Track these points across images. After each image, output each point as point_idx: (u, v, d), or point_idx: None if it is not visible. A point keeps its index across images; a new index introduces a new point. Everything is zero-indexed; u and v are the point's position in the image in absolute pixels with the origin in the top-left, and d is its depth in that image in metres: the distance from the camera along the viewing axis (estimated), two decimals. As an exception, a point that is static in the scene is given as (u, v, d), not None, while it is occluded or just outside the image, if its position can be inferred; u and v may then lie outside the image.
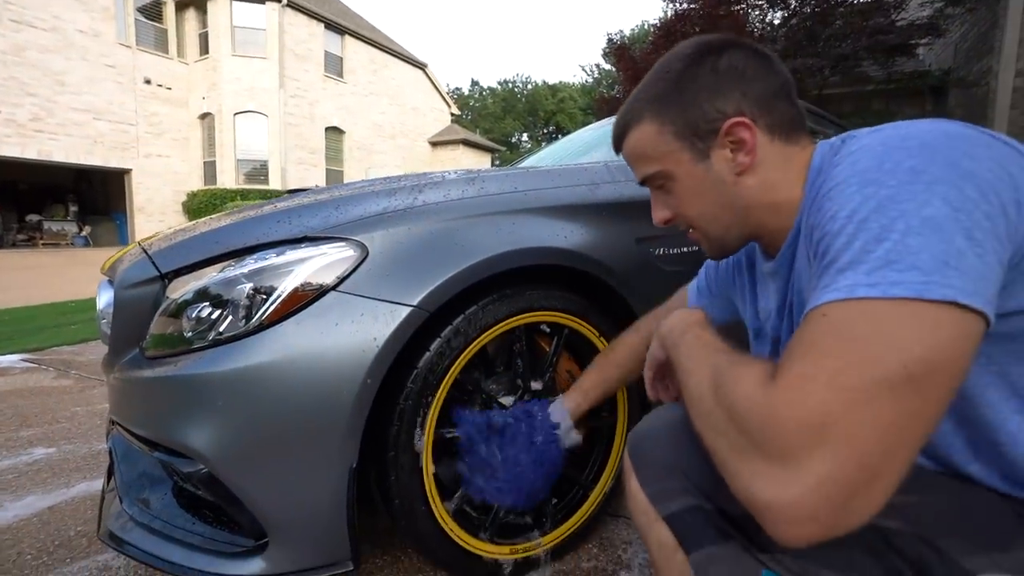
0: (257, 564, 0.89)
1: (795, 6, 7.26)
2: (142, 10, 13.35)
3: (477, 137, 23.10)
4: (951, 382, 0.37)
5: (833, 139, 0.58)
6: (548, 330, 1.14)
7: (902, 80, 7.40)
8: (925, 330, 0.36)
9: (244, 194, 13.19)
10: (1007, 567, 0.43)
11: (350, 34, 16.68)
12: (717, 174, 0.60)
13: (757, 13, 7.80)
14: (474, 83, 46.48)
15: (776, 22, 7.74)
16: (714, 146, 0.59)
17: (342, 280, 0.91)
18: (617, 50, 9.49)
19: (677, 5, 8.03)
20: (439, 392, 0.97)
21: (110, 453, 1.09)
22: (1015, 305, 0.41)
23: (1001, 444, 0.46)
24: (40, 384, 2.79)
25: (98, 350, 3.41)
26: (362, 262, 0.92)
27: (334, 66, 16.32)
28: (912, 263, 0.38)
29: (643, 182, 0.68)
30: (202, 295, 0.94)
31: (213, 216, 1.26)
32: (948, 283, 0.37)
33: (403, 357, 0.94)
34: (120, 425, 1.07)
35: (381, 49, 18.00)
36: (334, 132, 16.50)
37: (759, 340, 0.72)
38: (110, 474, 1.09)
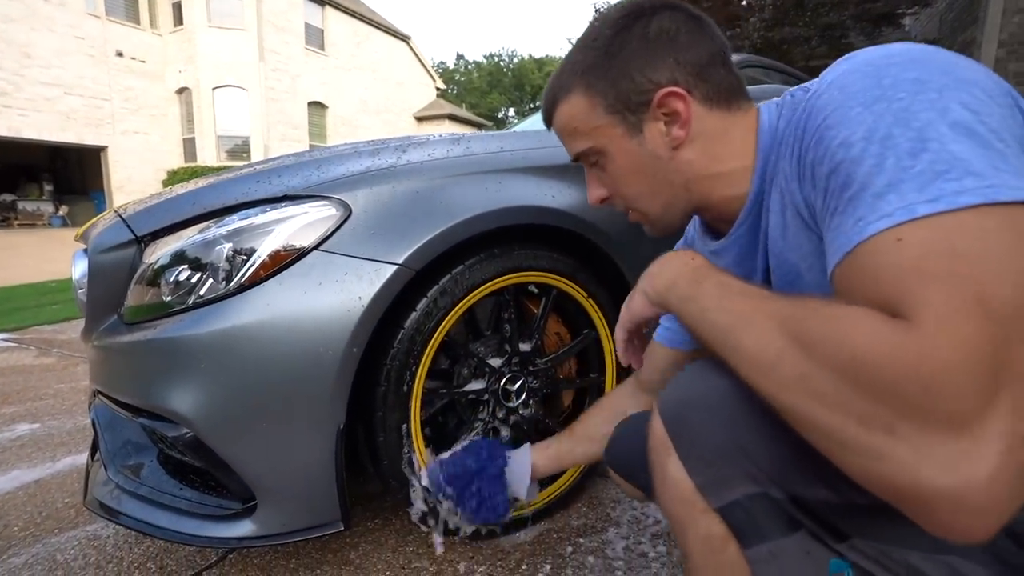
0: (246, 526, 0.89)
1: (784, -26, 7.15)
2: (111, -23, 12.79)
3: (463, 112, 22.72)
4: None
5: (779, 98, 0.55)
6: (536, 291, 1.13)
7: (889, 50, 7.36)
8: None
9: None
10: None
11: (331, 4, 16.15)
12: (652, 149, 0.56)
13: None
14: (459, 57, 45.57)
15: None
16: (647, 119, 0.55)
17: (324, 239, 0.88)
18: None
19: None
20: (426, 353, 0.96)
21: (93, 424, 1.08)
22: None
23: None
24: (21, 362, 2.74)
25: (80, 329, 3.35)
26: (345, 221, 0.90)
27: (315, 38, 15.83)
28: (965, 169, 0.34)
29: (575, 159, 0.63)
30: (180, 258, 0.91)
31: (190, 182, 1.22)
32: (1006, 183, 0.33)
33: (389, 317, 0.92)
34: (102, 394, 1.05)
35: (363, 21, 17.48)
36: (317, 107, 16.11)
37: None
38: (95, 447, 1.08)
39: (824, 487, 0.45)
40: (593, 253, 1.15)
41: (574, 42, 0.61)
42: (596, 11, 10.00)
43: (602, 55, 0.56)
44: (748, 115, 0.56)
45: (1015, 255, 0.32)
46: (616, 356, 0.73)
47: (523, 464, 0.89)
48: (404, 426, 0.97)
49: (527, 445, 0.93)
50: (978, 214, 0.33)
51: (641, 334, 0.67)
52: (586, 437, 0.89)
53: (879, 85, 0.40)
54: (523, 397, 1.12)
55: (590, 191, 0.64)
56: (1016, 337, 0.30)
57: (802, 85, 0.52)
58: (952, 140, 0.35)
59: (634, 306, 0.60)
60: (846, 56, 0.46)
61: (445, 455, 0.93)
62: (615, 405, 0.87)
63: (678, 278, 0.52)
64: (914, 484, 0.31)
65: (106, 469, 0.98)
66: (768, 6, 7.21)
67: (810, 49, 7.01)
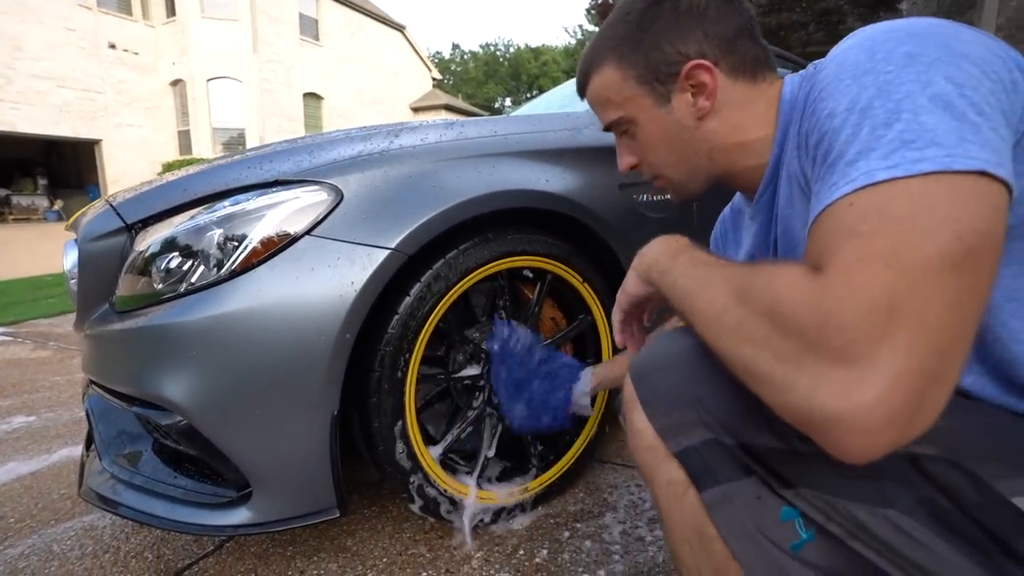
0: (241, 514, 0.88)
1: (783, -41, 7.09)
2: (101, -32, 12.61)
3: (460, 102, 22.56)
4: (997, 253, 0.35)
5: (804, 70, 0.56)
6: (531, 276, 1.12)
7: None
8: (965, 200, 0.34)
9: (221, 164, 12.77)
10: None
11: (324, -6, 15.98)
12: (679, 119, 0.59)
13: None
14: (455, 47, 45.17)
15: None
16: (675, 90, 0.58)
17: (316, 224, 0.87)
18: (601, 8, 9.23)
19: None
20: (420, 338, 0.96)
21: (87, 415, 1.07)
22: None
23: (993, 348, 0.44)
24: (17, 356, 2.74)
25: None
26: (337, 206, 0.89)
27: (310, 29, 15.67)
28: (931, 139, 0.36)
29: (607, 128, 0.66)
30: (170, 245, 0.90)
31: (180, 170, 1.21)
32: (971, 155, 0.35)
33: (383, 303, 0.92)
34: (96, 384, 1.04)
35: (357, 10, 17.30)
36: (312, 98, 15.98)
37: None
38: (90, 438, 1.07)
39: (769, 434, 0.48)
40: (589, 238, 1.14)
41: (607, 17, 0.63)
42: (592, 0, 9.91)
43: (634, 28, 0.59)
44: (772, 87, 0.58)
45: (945, 217, 0.34)
46: (613, 340, 0.75)
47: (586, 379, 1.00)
48: (400, 423, 0.97)
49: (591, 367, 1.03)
50: (927, 180, 0.35)
51: (639, 317, 0.68)
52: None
53: (872, 59, 0.41)
54: (519, 383, 1.11)
55: (620, 158, 0.67)
56: (933, 291, 0.33)
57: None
58: (927, 111, 0.37)
59: (627, 285, 0.63)
60: (856, 31, 0.47)
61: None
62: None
63: (660, 255, 0.56)
64: (811, 409, 0.34)
65: (101, 459, 0.98)
66: (766, -8, 7.15)
67: (807, 35, 6.98)
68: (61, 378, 2.35)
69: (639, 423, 0.57)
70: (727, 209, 0.79)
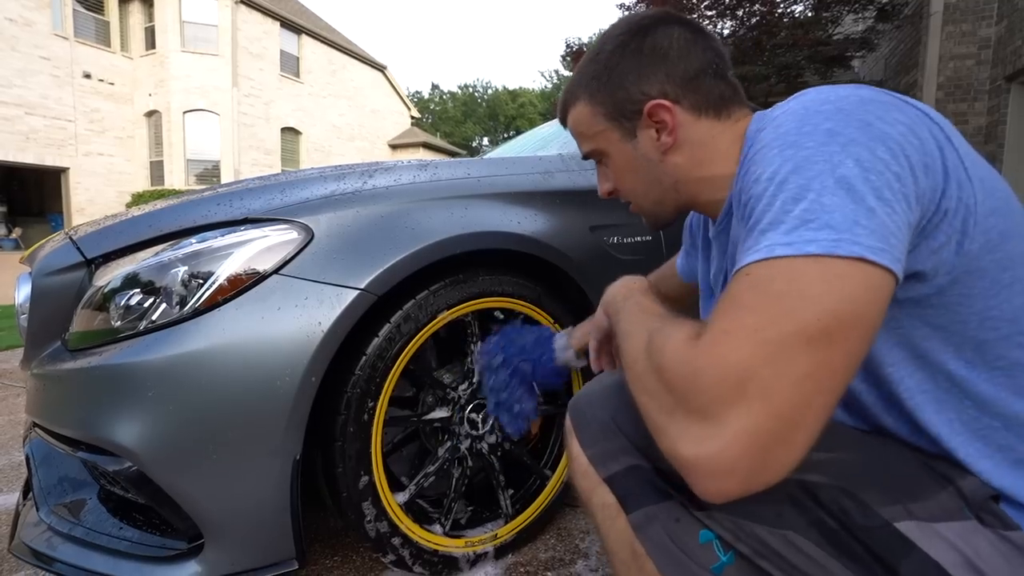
0: (191, 568, 0.83)
1: (743, 17, 7.59)
2: (81, 0, 12.61)
3: (438, 140, 22.96)
4: (862, 334, 0.38)
5: (762, 111, 0.59)
6: (502, 317, 1.13)
7: (840, 90, 7.83)
8: (835, 284, 0.38)
9: (193, 196, 12.57)
10: (919, 515, 0.45)
11: (307, 33, 16.28)
12: (644, 153, 0.63)
13: (707, 23, 8.10)
14: (434, 87, 46.28)
15: (725, 32, 8.06)
16: (640, 126, 0.62)
17: (285, 263, 0.86)
18: (576, 55, 9.64)
19: (632, 12, 8.23)
20: (388, 380, 0.94)
21: (27, 460, 1.01)
22: (919, 268, 0.43)
23: (903, 400, 0.49)
24: (-43, 393, 2.57)
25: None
26: (307, 245, 0.88)
27: (290, 66, 15.88)
28: (826, 221, 0.39)
29: (585, 157, 0.71)
30: (132, 281, 0.88)
31: (148, 204, 1.19)
32: (857, 240, 0.38)
33: (351, 344, 0.90)
34: (39, 427, 0.99)
35: (339, 50, 17.65)
36: (290, 133, 16.03)
37: (709, 300, 0.73)
38: (28, 486, 1.00)
39: None
40: (560, 280, 1.15)
41: (583, 56, 0.69)
42: (567, 45, 10.36)
43: (602, 68, 0.63)
44: (739, 123, 0.60)
45: (809, 298, 0.38)
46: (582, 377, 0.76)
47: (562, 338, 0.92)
48: (365, 477, 0.94)
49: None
50: (811, 262, 0.38)
51: (610, 345, 0.73)
52: None
53: (799, 131, 0.44)
54: (489, 425, 1.10)
55: (600, 185, 0.72)
56: (784, 365, 0.37)
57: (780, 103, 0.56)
58: (830, 192, 0.40)
59: (596, 317, 0.71)
60: (802, 91, 0.50)
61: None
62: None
63: (616, 295, 0.62)
64: (676, 454, 0.40)
65: (38, 509, 0.91)
66: (730, 46, 7.61)
67: (769, 86, 7.39)
68: (3, 418, 2.21)
69: (575, 450, 0.64)
70: (694, 220, 0.83)
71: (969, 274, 0.44)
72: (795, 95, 0.50)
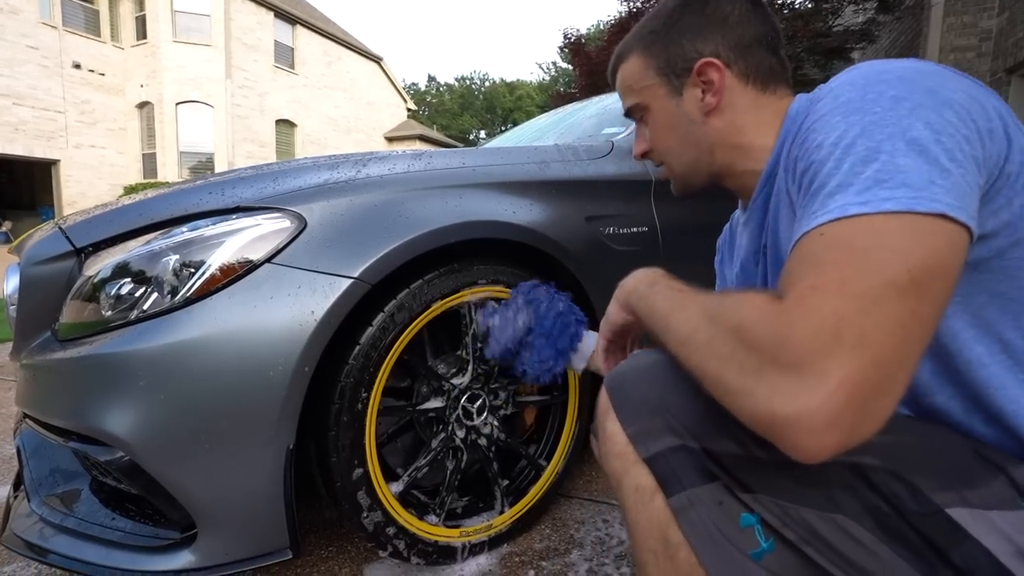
0: (184, 558, 0.83)
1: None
2: (69, -11, 12.44)
3: (434, 133, 22.84)
4: (947, 287, 0.39)
5: (811, 93, 0.59)
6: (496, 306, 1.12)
7: (839, 83, 7.84)
8: (922, 238, 0.38)
9: (187, 188, 12.47)
10: (973, 502, 0.45)
11: (302, 24, 16.11)
12: (687, 111, 0.64)
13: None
14: (431, 79, 45.89)
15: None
16: (687, 84, 0.63)
17: (277, 252, 0.86)
18: (573, 47, 9.58)
19: (631, 4, 8.19)
20: (382, 369, 0.93)
21: (18, 452, 1.00)
22: (980, 230, 0.43)
23: (962, 371, 0.48)
24: (-52, 386, 2.55)
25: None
26: (300, 233, 0.87)
27: (285, 57, 15.73)
28: (902, 180, 0.39)
29: (627, 114, 0.72)
30: (123, 270, 0.87)
31: (138, 194, 1.17)
32: (936, 198, 0.38)
33: (344, 333, 0.90)
34: (30, 418, 0.98)
35: (335, 41, 17.50)
36: (285, 125, 15.91)
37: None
38: (19, 478, 1.00)
39: (730, 440, 0.51)
40: (555, 270, 1.15)
41: (647, 13, 0.70)
42: (565, 37, 10.29)
43: (661, 24, 0.65)
44: (782, 100, 0.62)
45: (897, 252, 0.38)
46: (596, 367, 0.78)
47: (589, 343, 0.86)
48: (360, 467, 0.93)
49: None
50: (891, 219, 0.39)
51: (623, 345, 0.73)
52: None
53: (863, 99, 0.44)
54: (484, 415, 1.10)
55: (635, 145, 0.73)
56: (878, 315, 0.37)
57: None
58: (903, 154, 0.40)
59: (609, 315, 0.68)
60: (854, 65, 0.51)
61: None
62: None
63: (639, 284, 0.61)
64: (769, 412, 0.38)
65: (29, 501, 0.90)
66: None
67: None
68: (-4, 410, 2.20)
69: (611, 428, 0.59)
70: (726, 228, 0.83)
71: None
72: (845, 70, 0.51)
